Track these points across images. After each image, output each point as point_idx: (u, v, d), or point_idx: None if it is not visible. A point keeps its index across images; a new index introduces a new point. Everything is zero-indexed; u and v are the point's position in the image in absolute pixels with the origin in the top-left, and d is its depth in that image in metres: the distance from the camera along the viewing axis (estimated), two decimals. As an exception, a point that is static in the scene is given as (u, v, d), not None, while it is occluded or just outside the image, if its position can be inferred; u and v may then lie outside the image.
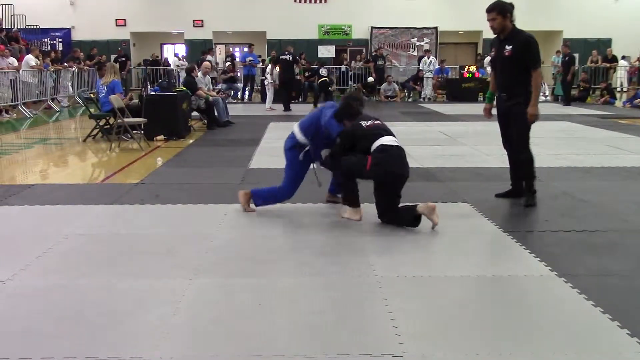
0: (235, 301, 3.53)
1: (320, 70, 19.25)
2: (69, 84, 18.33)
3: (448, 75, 21.56)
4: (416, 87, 21.19)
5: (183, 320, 3.28)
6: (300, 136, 5.47)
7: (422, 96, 20.77)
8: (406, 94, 21.11)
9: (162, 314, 3.34)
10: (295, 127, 5.57)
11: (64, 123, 14.74)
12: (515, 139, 5.76)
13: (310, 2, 24.76)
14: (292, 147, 5.54)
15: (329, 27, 25.02)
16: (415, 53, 24.53)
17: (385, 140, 5.13)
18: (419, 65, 21.60)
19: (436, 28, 24.76)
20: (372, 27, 24.79)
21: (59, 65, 18.18)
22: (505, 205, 5.82)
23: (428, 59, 21.14)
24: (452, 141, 10.36)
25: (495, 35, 5.88)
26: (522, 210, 5.68)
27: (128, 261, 4.24)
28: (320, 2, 24.74)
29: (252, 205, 5.51)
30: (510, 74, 5.70)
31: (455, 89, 20.21)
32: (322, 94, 18.26)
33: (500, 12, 5.65)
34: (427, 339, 3.06)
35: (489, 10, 5.69)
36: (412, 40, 24.88)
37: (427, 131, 11.77)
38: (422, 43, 24.68)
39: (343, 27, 25.04)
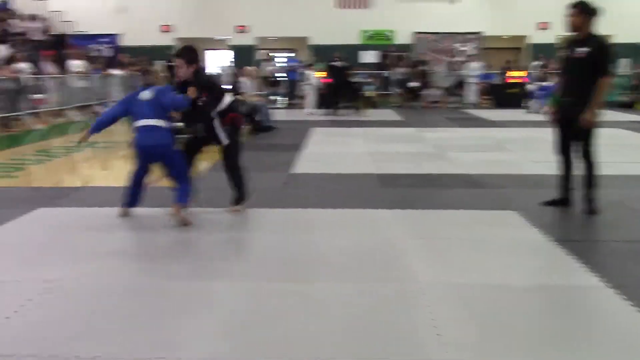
0: (269, 306, 3.52)
1: (355, 77, 19.07)
2: (116, 89, 18.70)
3: (493, 80, 21.25)
4: (460, 92, 20.96)
5: (223, 323, 3.29)
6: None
7: (466, 102, 20.53)
8: (450, 100, 20.90)
9: (204, 315, 3.36)
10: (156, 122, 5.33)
11: (111, 127, 15.01)
12: (583, 147, 5.54)
13: (352, 7, 24.75)
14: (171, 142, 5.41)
15: (371, 33, 24.96)
16: (459, 58, 24.28)
17: None
18: (462, 70, 21.36)
19: (480, 33, 24.46)
20: (415, 32, 24.64)
21: (105, 71, 18.57)
22: (553, 214, 5.69)
23: (472, 64, 20.88)
24: (497, 147, 10.20)
25: (565, 38, 5.64)
26: (571, 219, 5.55)
27: (173, 262, 4.28)
28: (363, 7, 24.71)
29: (186, 213, 5.25)
30: (580, 77, 5.43)
31: (500, 95, 19.91)
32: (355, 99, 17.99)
33: (584, 10, 5.42)
34: (472, 348, 3.00)
35: (574, 5, 5.45)
36: (455, 45, 24.64)
37: (470, 137, 11.62)
38: (465, 48, 24.42)
39: (386, 33, 24.94)
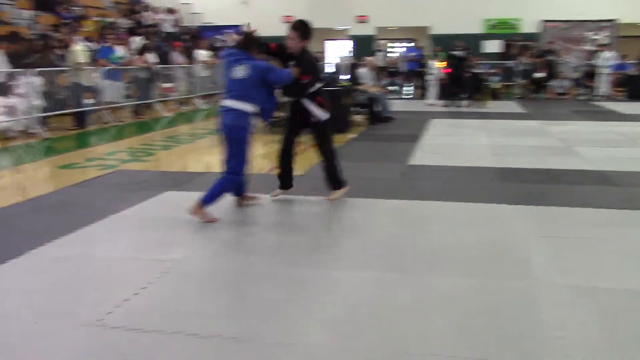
0: (392, 297, 3.50)
1: (475, 67, 18.42)
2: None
3: (628, 71, 19.89)
4: (590, 84, 19.80)
5: (339, 311, 3.30)
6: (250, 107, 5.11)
7: (596, 94, 19.38)
8: (579, 91, 19.81)
9: (319, 302, 3.39)
10: (239, 104, 5.06)
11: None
12: None
13: (476, -5, 24.04)
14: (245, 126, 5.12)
15: (496, 21, 24.13)
16: (590, 47, 22.93)
17: None
18: (594, 60, 20.15)
19: (615, 20, 22.96)
20: (543, 21, 23.54)
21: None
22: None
23: (605, 53, 19.65)
24: (630, 143, 9.54)
25: None
26: None
27: (290, 249, 4.36)
28: (487, -5, 23.92)
29: (209, 214, 5.06)
30: None
31: (636, 87, 18.59)
32: (477, 90, 17.37)
33: None
34: (595, 351, 2.83)
35: None
36: (587, 33, 23.29)
37: (601, 131, 10.94)
38: (598, 37, 23.01)
39: (511, 21, 24.01)
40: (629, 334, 3.06)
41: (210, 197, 5.05)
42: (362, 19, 25.42)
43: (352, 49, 25.30)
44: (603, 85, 19.30)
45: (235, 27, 25.98)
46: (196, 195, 5.13)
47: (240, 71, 5.02)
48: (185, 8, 24.90)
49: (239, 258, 4.21)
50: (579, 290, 3.58)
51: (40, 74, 10.56)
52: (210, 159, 8.97)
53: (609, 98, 18.76)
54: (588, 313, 3.28)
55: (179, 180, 6.71)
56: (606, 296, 3.52)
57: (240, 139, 5.06)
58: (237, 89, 5.04)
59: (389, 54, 21.82)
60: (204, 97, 17.06)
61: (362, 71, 12.70)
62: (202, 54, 17.04)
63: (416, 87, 20.92)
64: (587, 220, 5.10)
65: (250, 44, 5.15)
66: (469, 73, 16.84)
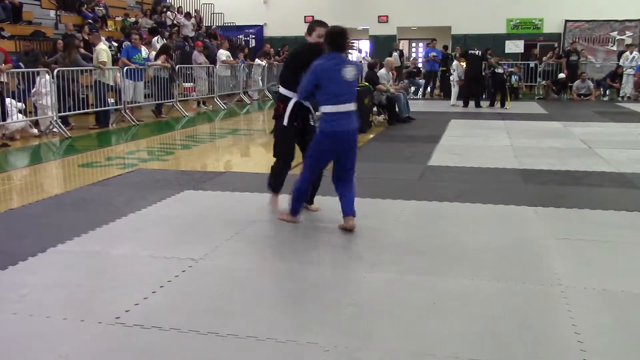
0: (410, 298, 3.48)
1: (499, 68, 18.25)
2: (260, 78, 19.39)
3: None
4: (614, 84, 19.56)
5: (356, 311, 3.30)
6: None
7: (620, 95, 19.14)
8: (602, 92, 19.58)
9: (336, 302, 3.39)
10: (353, 106, 4.84)
11: (253, 115, 15.63)
12: None
13: (498, -5, 23.86)
14: None
15: (518, 21, 23.94)
16: (614, 48, 22.64)
17: None
18: (618, 61, 19.90)
19: (640, 20, 22.66)
20: (566, 21, 23.29)
21: (250, 61, 19.30)
22: None
23: (630, 54, 19.38)
24: (654, 145, 9.41)
25: None
26: None
27: (308, 249, 4.37)
28: (510, -5, 23.74)
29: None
30: None
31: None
32: (498, 90, 17.16)
33: None
34: (615, 357, 2.79)
35: None
36: (611, 34, 22.99)
37: (625, 133, 10.81)
38: (623, 37, 22.71)
39: (533, 21, 23.82)
40: (649, 338, 3.01)
41: (353, 203, 4.82)
42: (383, 19, 25.38)
43: (369, 49, 25.28)
44: (627, 86, 19.06)
45: (255, 27, 26.13)
46: (219, 195, 5.12)
47: (350, 72, 4.68)
48: (206, 8, 25.05)
49: (255, 257, 4.23)
50: (597, 293, 3.54)
51: (62, 73, 10.67)
52: (230, 158, 9.02)
53: (634, 99, 18.52)
54: (608, 316, 3.24)
55: (199, 180, 6.76)
56: (624, 299, 3.47)
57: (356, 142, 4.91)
58: (349, 92, 4.75)
59: (399, 54, 21.64)
60: (225, 96, 17.14)
61: (381, 72, 12.67)
62: (223, 54, 17.12)
63: (436, 88, 20.83)
64: (608, 222, 5.04)
65: (343, 43, 4.72)
66: (489, 73, 16.71)
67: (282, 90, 5.18)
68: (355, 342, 2.95)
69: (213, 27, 23.42)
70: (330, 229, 4.86)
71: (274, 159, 5.38)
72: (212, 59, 16.93)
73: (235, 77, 17.73)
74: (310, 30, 5.05)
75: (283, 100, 5.13)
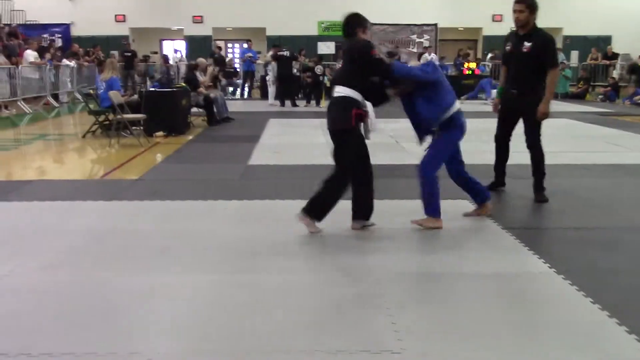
0: (232, 297, 3.53)
1: (316, 68, 18.94)
2: (68, 80, 18.29)
3: (448, 72, 21.50)
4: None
5: (180, 317, 3.27)
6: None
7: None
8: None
9: (159, 310, 3.33)
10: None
11: (63, 119, 14.71)
12: (528, 136, 5.77)
13: (310, -3, 24.72)
14: None
15: (329, 24, 24.98)
16: (415, 49, 24.46)
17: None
18: (418, 60, 21.53)
19: (436, 25, 24.71)
20: (373, 24, 24.74)
21: (57, 61, 18.14)
22: (504, 202, 5.82)
23: (429, 55, 21.07)
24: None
25: (510, 31, 5.86)
26: (521, 207, 5.68)
27: (126, 258, 4.22)
28: (320, -3, 24.69)
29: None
30: (525, 70, 5.69)
31: (456, 86, 20.09)
32: (313, 92, 17.76)
33: (529, 6, 5.64)
34: (428, 337, 3.06)
35: (519, 1, 5.66)
36: (412, 36, 24.83)
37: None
38: (422, 40, 24.63)
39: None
40: (456, 315, 3.33)
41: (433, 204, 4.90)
42: (197, 19, 25.14)
43: (185, 50, 24.95)
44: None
45: (61, 26, 24.56)
46: (27, 206, 4.77)
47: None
48: (4, 5, 23.08)
49: (69, 270, 3.99)
50: (414, 278, 3.83)
51: None
52: (39, 164, 8.42)
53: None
54: (422, 299, 3.52)
55: (3, 190, 6.24)
56: (438, 281, 3.80)
57: None
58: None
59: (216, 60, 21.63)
60: (31, 100, 15.94)
61: (198, 72, 12.59)
62: (31, 55, 15.92)
63: (254, 88, 21.08)
64: (402, 211, 5.44)
65: None
66: (309, 74, 17.26)
67: (348, 91, 4.82)
68: (179, 347, 2.93)
69: (13, 25, 21.61)
70: (147, 234, 4.74)
71: (335, 176, 5.00)
72: (13, 59, 15.65)
73: (41, 79, 16.56)
74: (365, 26, 5.25)
75: (352, 102, 4.80)
